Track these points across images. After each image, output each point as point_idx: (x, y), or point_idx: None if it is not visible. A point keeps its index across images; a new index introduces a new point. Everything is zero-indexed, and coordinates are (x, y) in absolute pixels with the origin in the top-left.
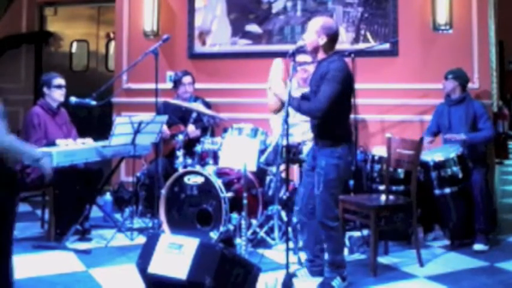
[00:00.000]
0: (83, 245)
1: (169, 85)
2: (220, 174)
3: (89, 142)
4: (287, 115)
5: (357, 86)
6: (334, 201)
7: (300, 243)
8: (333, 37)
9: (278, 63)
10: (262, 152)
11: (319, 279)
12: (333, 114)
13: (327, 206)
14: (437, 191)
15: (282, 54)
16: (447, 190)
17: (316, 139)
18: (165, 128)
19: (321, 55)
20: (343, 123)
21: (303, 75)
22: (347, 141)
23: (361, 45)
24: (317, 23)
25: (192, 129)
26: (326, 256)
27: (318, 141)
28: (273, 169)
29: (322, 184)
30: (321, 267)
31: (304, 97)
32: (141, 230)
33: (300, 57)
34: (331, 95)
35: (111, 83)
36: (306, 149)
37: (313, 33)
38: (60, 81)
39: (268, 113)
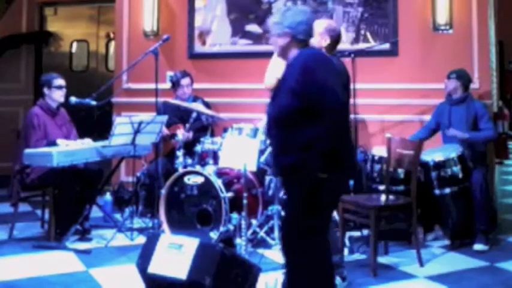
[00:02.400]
0: (83, 245)
1: (168, 85)
2: (220, 174)
3: (88, 143)
4: None
5: (357, 86)
6: None
7: None
8: (336, 39)
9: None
10: (262, 152)
11: None
12: None
13: None
14: (437, 191)
15: None
16: (447, 190)
17: None
18: (163, 129)
19: None
20: None
21: None
22: None
23: (361, 45)
24: (321, 25)
25: (181, 133)
26: None
27: None
28: None
29: None
30: None
31: None
32: (141, 230)
33: None
34: None
35: (111, 83)
36: None
37: (317, 35)
38: (60, 81)
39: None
